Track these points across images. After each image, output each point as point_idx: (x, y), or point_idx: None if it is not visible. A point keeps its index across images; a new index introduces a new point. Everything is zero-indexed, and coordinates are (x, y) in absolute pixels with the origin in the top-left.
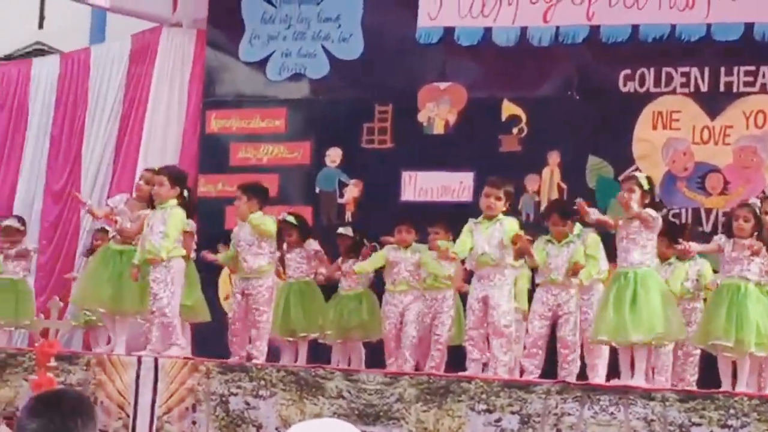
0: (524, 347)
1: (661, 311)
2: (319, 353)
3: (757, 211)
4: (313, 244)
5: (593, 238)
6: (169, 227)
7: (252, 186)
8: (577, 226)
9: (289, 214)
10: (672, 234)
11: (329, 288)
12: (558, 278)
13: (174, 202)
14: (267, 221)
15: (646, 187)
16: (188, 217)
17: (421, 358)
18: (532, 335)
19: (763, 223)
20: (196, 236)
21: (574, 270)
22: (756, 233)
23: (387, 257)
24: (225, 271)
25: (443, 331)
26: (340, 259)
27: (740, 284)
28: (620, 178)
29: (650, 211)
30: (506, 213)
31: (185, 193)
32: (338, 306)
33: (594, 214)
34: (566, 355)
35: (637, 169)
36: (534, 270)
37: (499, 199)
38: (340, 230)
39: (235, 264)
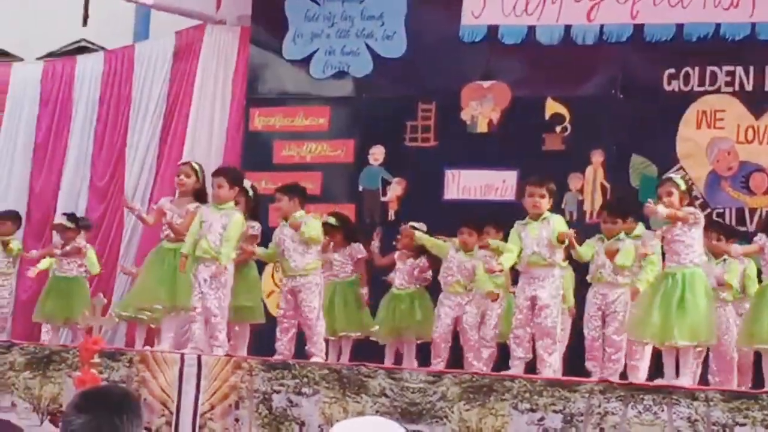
0: (585, 350)
1: (706, 316)
2: (367, 352)
3: None
4: (357, 250)
5: (655, 242)
6: (230, 232)
7: (291, 186)
8: (640, 227)
9: (331, 214)
10: (722, 229)
11: (383, 287)
12: (605, 276)
13: (232, 203)
14: (311, 227)
15: (683, 187)
16: (253, 218)
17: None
18: (588, 338)
19: None
20: (258, 237)
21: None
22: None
23: (447, 253)
24: (268, 269)
25: (490, 329)
26: (397, 254)
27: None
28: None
29: (687, 208)
30: (551, 210)
31: (250, 193)
32: (390, 305)
33: (663, 211)
34: (611, 354)
35: (680, 168)
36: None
37: (543, 197)
38: (412, 224)
39: (278, 263)
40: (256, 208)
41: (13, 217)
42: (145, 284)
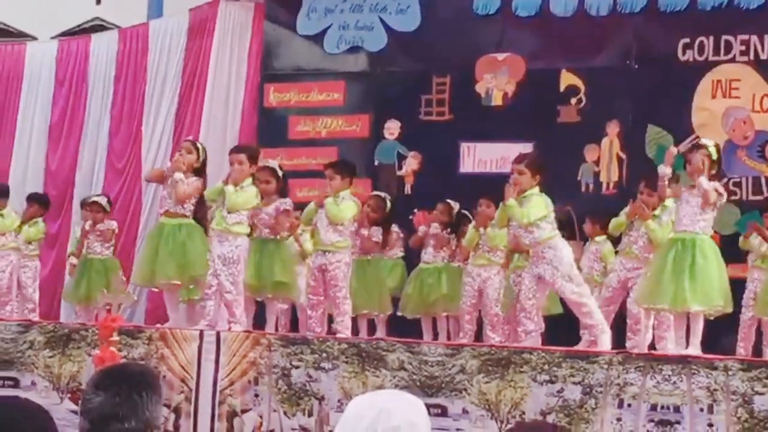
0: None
1: (719, 282)
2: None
3: None
4: (376, 233)
5: None
6: (240, 204)
7: (340, 163)
8: (669, 201)
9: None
10: None
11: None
12: (634, 251)
13: (250, 180)
14: (345, 210)
15: (714, 156)
16: (282, 195)
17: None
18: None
19: None
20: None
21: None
22: None
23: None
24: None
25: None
26: (426, 228)
27: None
28: (681, 147)
29: (718, 188)
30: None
31: (279, 173)
32: (417, 280)
33: (707, 185)
34: (631, 326)
35: (697, 137)
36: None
37: (522, 173)
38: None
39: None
40: (285, 187)
41: (38, 199)
42: (153, 260)
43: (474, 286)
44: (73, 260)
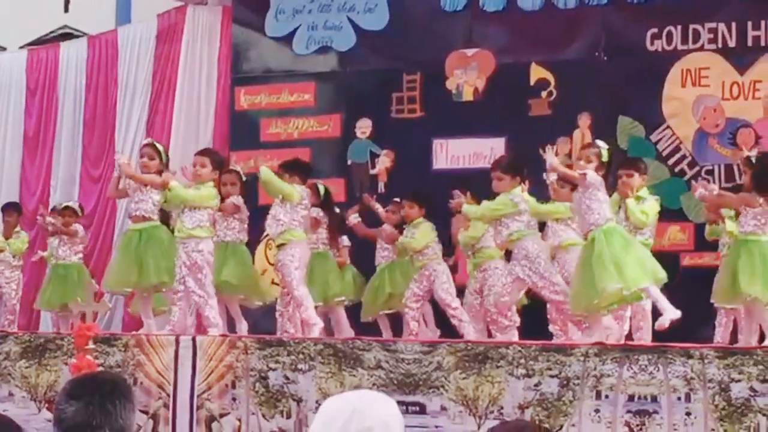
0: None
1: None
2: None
3: (752, 161)
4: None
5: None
6: (198, 203)
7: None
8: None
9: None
10: None
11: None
12: None
13: (212, 184)
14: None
15: (604, 158)
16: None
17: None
18: None
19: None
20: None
21: None
22: (756, 184)
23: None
24: (261, 247)
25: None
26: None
27: (746, 239)
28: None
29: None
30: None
31: (243, 178)
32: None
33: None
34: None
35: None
36: None
37: (500, 179)
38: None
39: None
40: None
41: (15, 207)
42: (118, 269)
43: (423, 284)
44: (40, 253)
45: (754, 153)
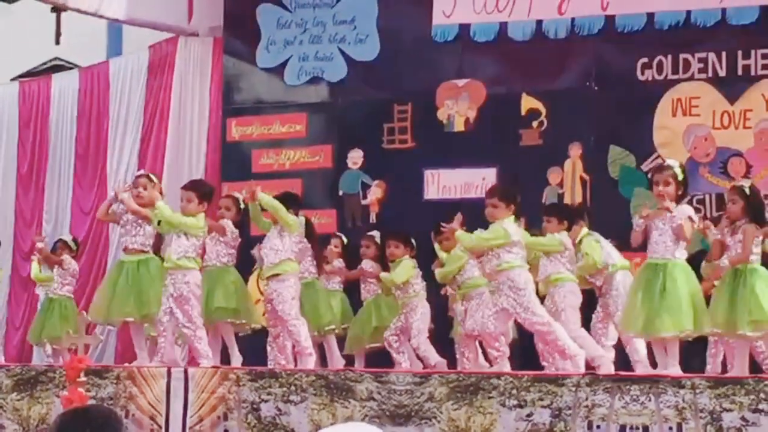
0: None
1: (689, 306)
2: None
3: (746, 191)
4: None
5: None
6: (187, 233)
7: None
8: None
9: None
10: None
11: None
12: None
13: (202, 216)
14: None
15: (680, 177)
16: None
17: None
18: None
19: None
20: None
21: None
22: (748, 214)
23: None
24: (252, 278)
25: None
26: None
27: (738, 269)
28: (645, 167)
29: (687, 227)
30: (517, 214)
31: (241, 205)
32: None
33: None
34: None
35: (658, 156)
36: None
37: (495, 206)
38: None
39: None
40: (245, 216)
41: None
42: (108, 299)
43: (401, 322)
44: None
45: (746, 183)
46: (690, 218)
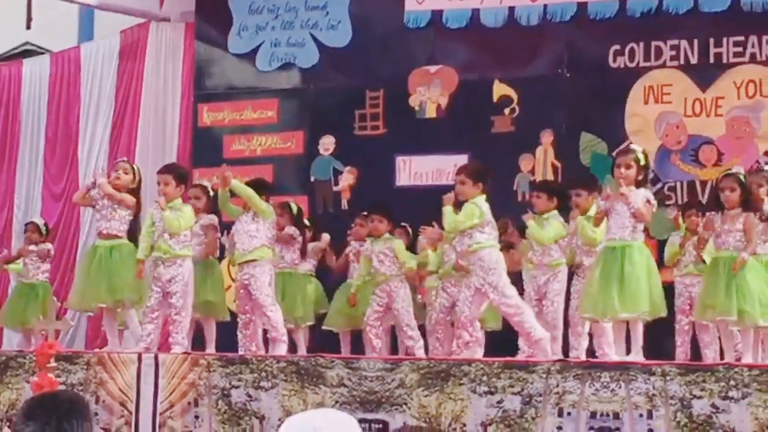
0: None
1: (646, 288)
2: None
3: (742, 179)
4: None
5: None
6: (182, 227)
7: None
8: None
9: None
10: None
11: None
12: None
13: (180, 200)
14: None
15: (642, 162)
16: (212, 212)
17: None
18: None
19: (752, 192)
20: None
21: None
22: (743, 203)
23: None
24: (225, 262)
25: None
26: (349, 249)
27: (735, 256)
28: (615, 152)
29: (646, 210)
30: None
31: (210, 193)
32: (345, 295)
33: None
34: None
35: (630, 143)
36: None
37: (462, 183)
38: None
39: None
40: (214, 204)
41: None
42: (83, 285)
43: (383, 300)
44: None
45: (740, 170)
46: (648, 201)
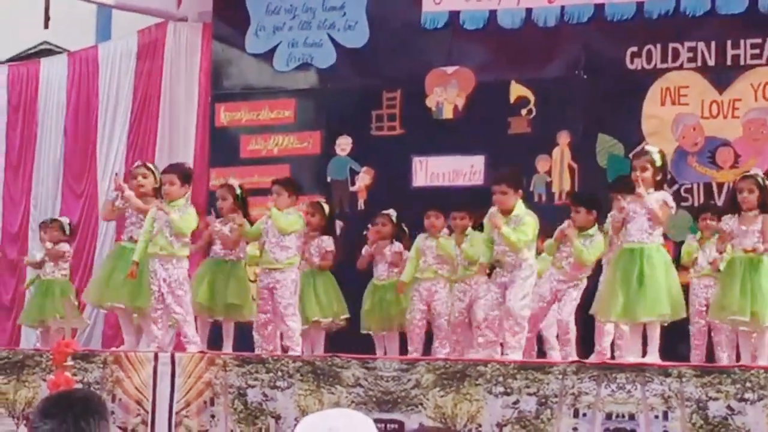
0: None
1: (666, 290)
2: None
3: (761, 181)
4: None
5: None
6: (182, 227)
7: (287, 180)
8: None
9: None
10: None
11: (363, 276)
12: (563, 266)
13: (184, 200)
14: (291, 221)
15: (659, 163)
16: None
17: (456, 344)
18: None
19: None
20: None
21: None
22: (761, 204)
23: (417, 246)
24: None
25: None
26: (373, 247)
27: (752, 258)
28: (631, 154)
29: (662, 213)
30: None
31: (237, 192)
32: (375, 296)
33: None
34: (560, 336)
35: (645, 145)
36: None
37: (504, 193)
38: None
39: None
40: (244, 206)
41: None
42: (106, 282)
43: (422, 300)
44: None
45: (759, 172)
46: (665, 203)
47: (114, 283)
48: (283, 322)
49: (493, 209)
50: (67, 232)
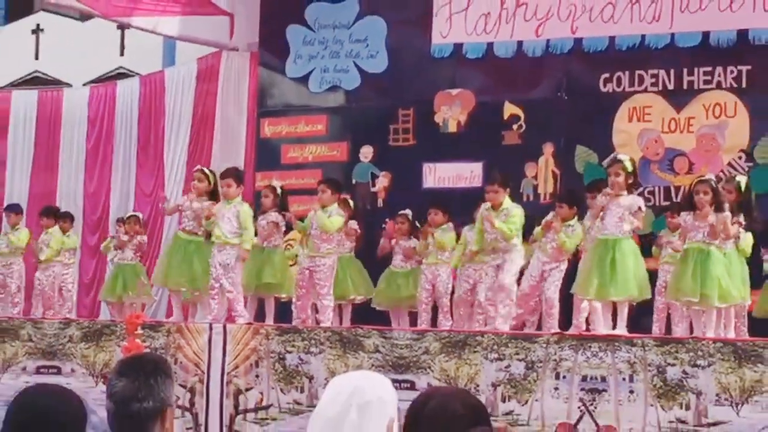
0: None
1: (634, 274)
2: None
3: (714, 184)
4: (352, 224)
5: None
6: (245, 222)
7: (330, 180)
8: (573, 221)
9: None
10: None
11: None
12: (548, 249)
13: (240, 198)
14: (333, 222)
15: (630, 169)
16: (281, 209)
17: (459, 318)
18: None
19: (721, 197)
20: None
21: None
22: (714, 205)
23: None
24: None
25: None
26: (393, 240)
27: (703, 247)
28: (604, 163)
29: (639, 220)
30: (512, 197)
31: (278, 191)
32: (390, 280)
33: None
34: (546, 310)
35: (617, 154)
36: None
37: (496, 192)
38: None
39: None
40: (284, 202)
41: (67, 215)
42: (168, 269)
43: (428, 281)
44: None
45: (712, 177)
46: (639, 208)
47: (173, 267)
48: (319, 300)
49: (484, 206)
50: (142, 223)
